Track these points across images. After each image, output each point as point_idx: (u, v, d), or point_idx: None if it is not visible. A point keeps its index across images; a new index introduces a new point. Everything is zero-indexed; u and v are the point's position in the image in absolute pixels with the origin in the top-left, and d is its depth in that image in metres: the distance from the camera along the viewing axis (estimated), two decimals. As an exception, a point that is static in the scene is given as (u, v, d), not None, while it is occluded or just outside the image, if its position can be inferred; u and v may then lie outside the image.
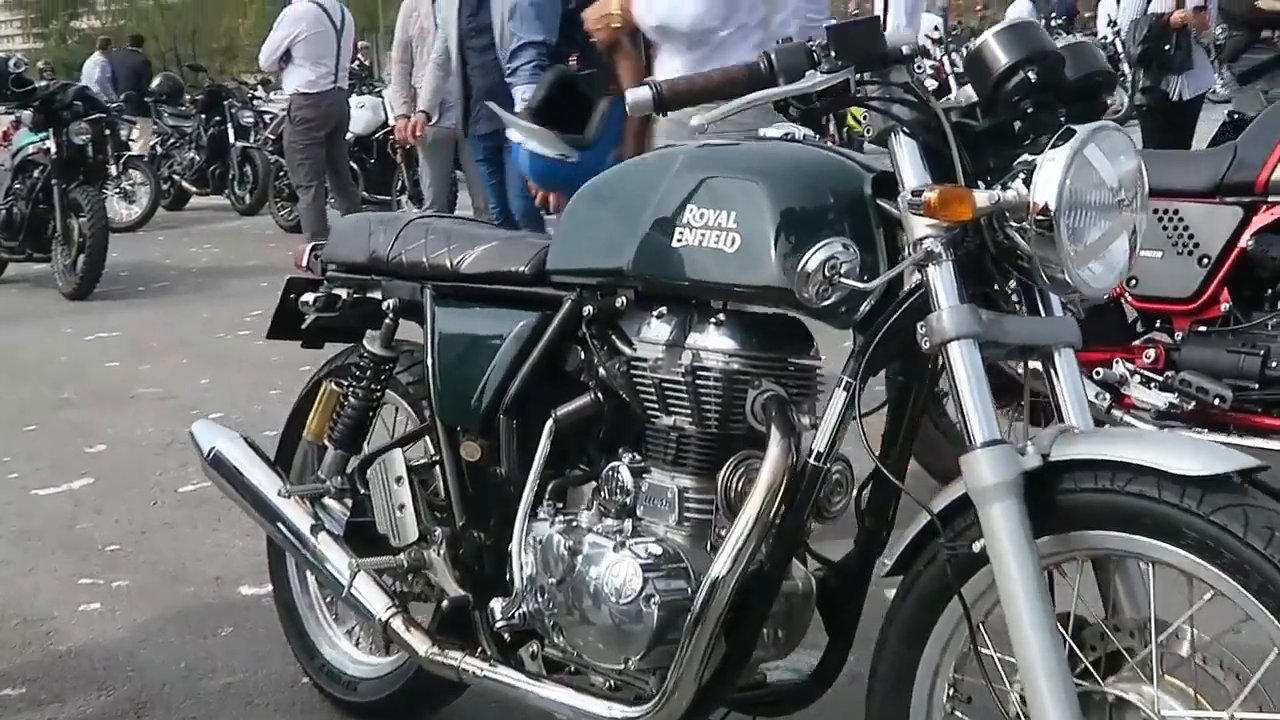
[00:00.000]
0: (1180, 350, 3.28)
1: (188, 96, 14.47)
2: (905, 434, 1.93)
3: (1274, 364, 3.13)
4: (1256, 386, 3.13)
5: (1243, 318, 3.24)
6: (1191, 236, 3.25)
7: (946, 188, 1.66)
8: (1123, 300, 3.42)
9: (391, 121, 8.83)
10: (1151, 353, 3.28)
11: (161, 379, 6.04)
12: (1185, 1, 8.06)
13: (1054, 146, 1.67)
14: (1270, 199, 3.19)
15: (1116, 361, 3.26)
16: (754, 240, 1.85)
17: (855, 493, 1.96)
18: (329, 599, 2.80)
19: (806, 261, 1.76)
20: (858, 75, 1.75)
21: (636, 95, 1.80)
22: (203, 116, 13.22)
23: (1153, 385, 3.22)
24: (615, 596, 1.96)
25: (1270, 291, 3.25)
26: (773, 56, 1.76)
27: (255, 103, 13.60)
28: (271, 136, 11.80)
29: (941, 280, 1.71)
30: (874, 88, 1.77)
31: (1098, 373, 3.26)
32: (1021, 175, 1.70)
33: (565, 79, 3.64)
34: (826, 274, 1.75)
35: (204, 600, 3.42)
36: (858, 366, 1.82)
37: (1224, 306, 3.24)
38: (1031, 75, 1.69)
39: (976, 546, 1.67)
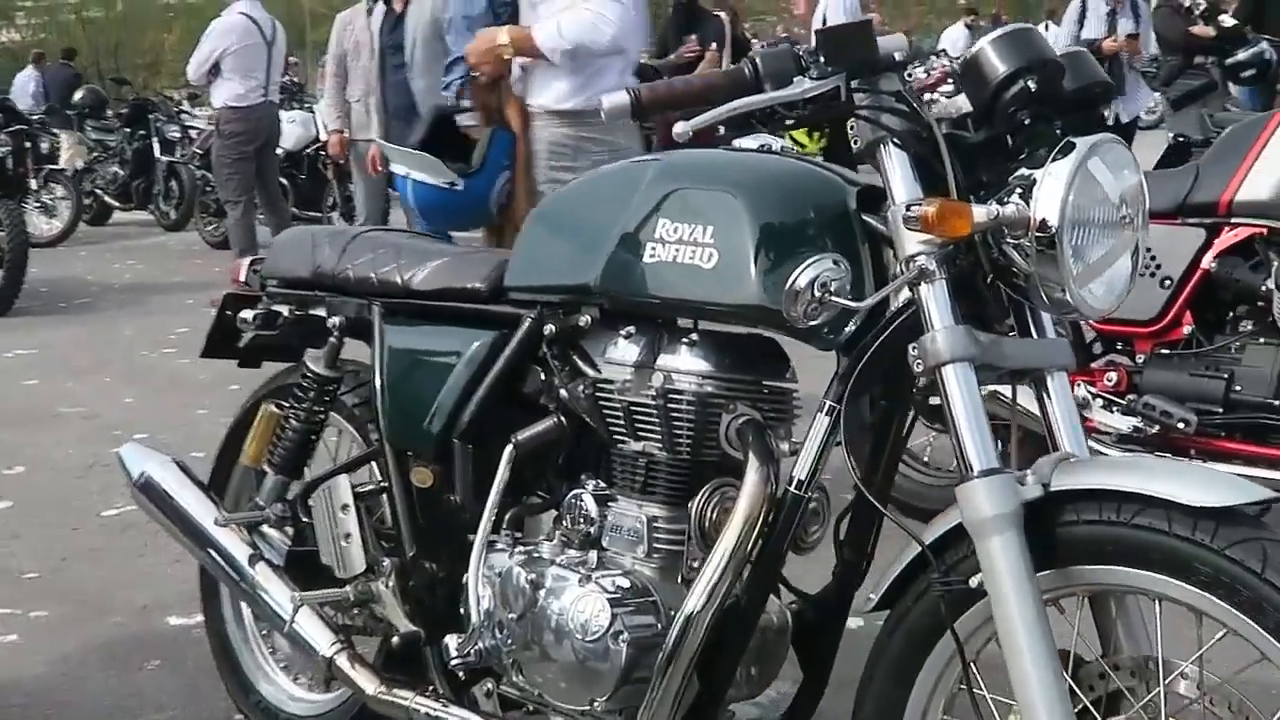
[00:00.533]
0: (1142, 373, 3.23)
1: (111, 111, 14.14)
2: (888, 460, 1.84)
3: (1238, 388, 3.08)
4: (1221, 410, 3.07)
5: (1205, 340, 3.19)
6: (1154, 258, 3.19)
7: (945, 202, 1.57)
8: (1081, 322, 3.36)
9: (323, 136, 8.68)
10: (1113, 375, 3.23)
11: (84, 398, 5.82)
12: (1118, 28, 8.14)
13: (1055, 160, 1.58)
14: (1234, 220, 3.14)
15: (1077, 384, 3.20)
16: (733, 256, 1.74)
17: (834, 522, 1.87)
18: (265, 631, 2.65)
19: (795, 279, 1.66)
20: (849, 82, 1.66)
21: (613, 101, 1.69)
22: (127, 130, 12.91)
23: (1115, 409, 3.16)
24: (581, 633, 1.84)
25: (1232, 314, 3.21)
26: (758, 61, 1.66)
27: (182, 117, 13.32)
28: (199, 151, 11.54)
29: (935, 300, 1.62)
30: (864, 96, 1.67)
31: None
32: (1019, 190, 1.61)
33: (444, 115, 3.66)
34: (816, 292, 1.65)
35: (130, 631, 3.25)
36: (842, 390, 1.73)
37: (1186, 329, 3.19)
38: (1031, 84, 1.61)
39: (974, 581, 1.57)
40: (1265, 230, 3.12)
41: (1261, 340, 3.11)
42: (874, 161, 1.70)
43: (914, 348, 1.63)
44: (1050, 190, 1.57)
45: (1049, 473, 1.58)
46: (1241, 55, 7.53)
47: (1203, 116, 4.98)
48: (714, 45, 8.57)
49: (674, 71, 9.29)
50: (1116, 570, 1.54)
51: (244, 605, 2.65)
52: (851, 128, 1.70)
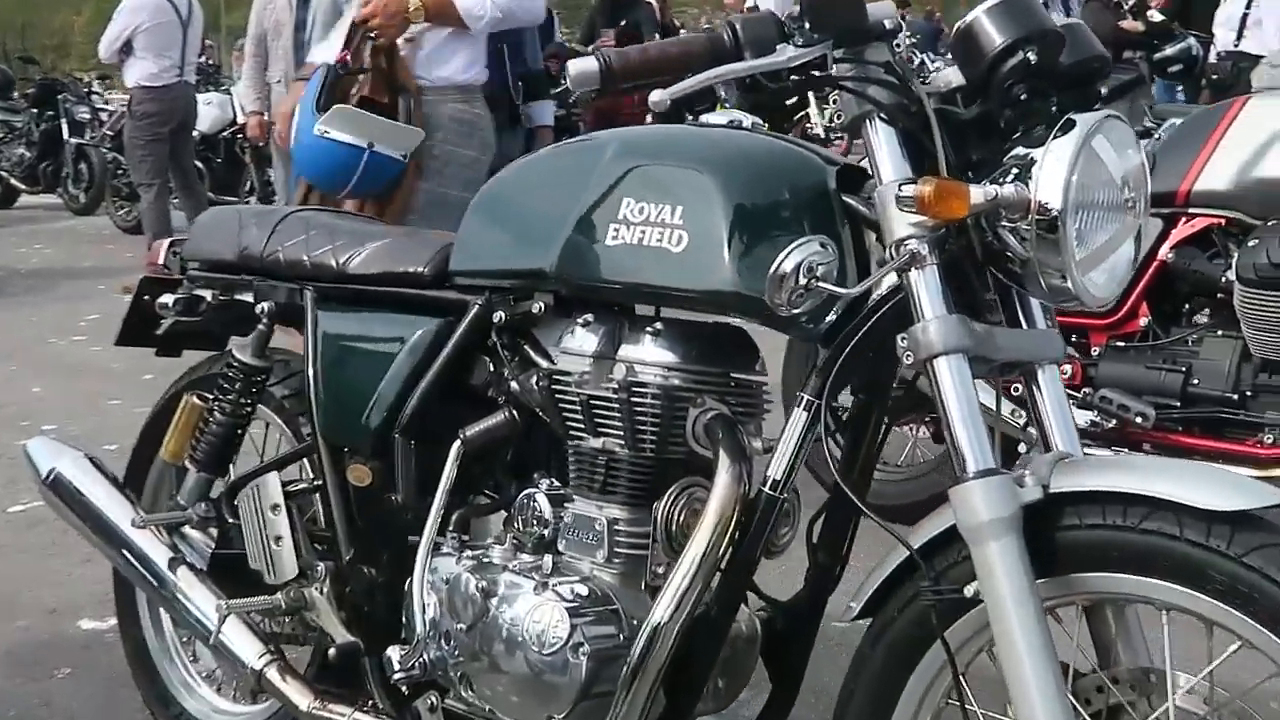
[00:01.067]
0: (1098, 366, 3.15)
1: (17, 91, 13.68)
2: (865, 457, 1.72)
3: (1196, 381, 3.01)
4: (1178, 404, 3.00)
5: (1161, 333, 3.11)
6: (1109, 248, 3.11)
7: (942, 181, 1.45)
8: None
9: (241, 119, 8.43)
10: (1068, 368, 3.14)
11: (-13, 388, 5.57)
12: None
13: (1056, 138, 1.47)
14: (1190, 210, 3.07)
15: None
16: (705, 239, 1.61)
17: (807, 524, 1.75)
18: (186, 639, 2.48)
19: (780, 263, 1.53)
20: (835, 51, 1.53)
21: (580, 68, 1.55)
22: (34, 111, 12.50)
23: (1070, 403, 3.07)
24: (537, 644, 1.71)
25: (1189, 306, 3.14)
26: (738, 27, 1.53)
27: (92, 99, 12.93)
28: (110, 133, 11.19)
29: (926, 287, 1.50)
30: (850, 66, 1.55)
31: (1016, 389, 3.10)
32: (1015, 170, 1.50)
33: (338, 77, 3.46)
34: (802, 278, 1.53)
35: (37, 637, 3.05)
36: (823, 383, 1.60)
37: (1143, 321, 3.12)
38: (1031, 56, 1.49)
39: (969, 590, 1.46)
40: (1223, 220, 3.06)
41: (1219, 333, 3.04)
42: (858, 137, 1.58)
43: (904, 339, 1.51)
44: (1052, 170, 1.46)
45: (1047, 473, 1.47)
46: (1169, 50, 7.54)
47: (1141, 108, 4.94)
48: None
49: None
50: (1121, 578, 1.43)
51: (163, 611, 2.48)
52: (834, 102, 1.58)
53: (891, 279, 1.56)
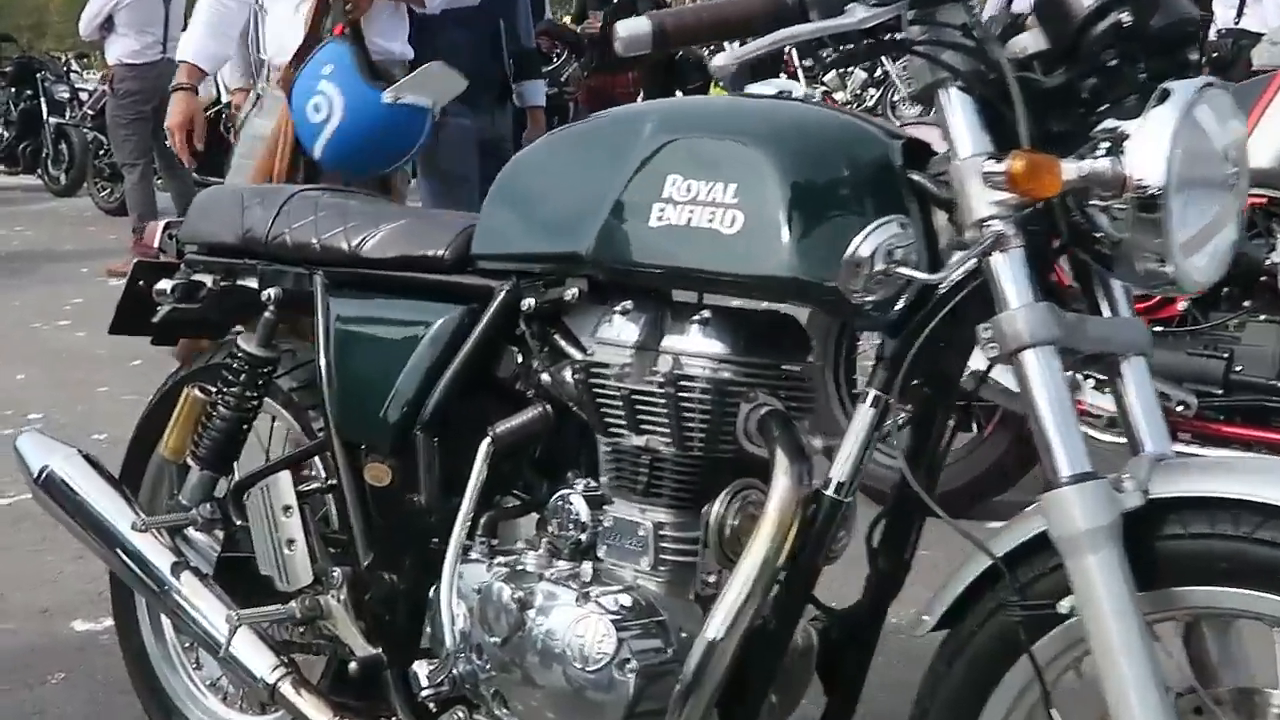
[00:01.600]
0: (1135, 352, 3.01)
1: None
2: (931, 456, 1.59)
3: (1238, 368, 2.89)
4: (1220, 392, 2.88)
5: (1201, 318, 2.99)
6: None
7: (1034, 155, 1.32)
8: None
9: (226, 97, 8.23)
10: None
11: (-31, 375, 5.41)
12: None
13: (1154, 108, 1.34)
14: (1231, 188, 2.94)
15: (1067, 364, 2.98)
16: (762, 219, 1.47)
17: (868, 527, 1.62)
18: (189, 644, 2.34)
19: (857, 246, 1.40)
20: (910, 12, 1.39)
21: (631, 29, 1.41)
22: (12, 90, 12.29)
23: (1107, 390, 2.94)
24: (580, 660, 1.58)
25: (1230, 289, 3.01)
26: (803, -15, 1.39)
27: (71, 77, 12.70)
28: (91, 112, 10.98)
29: (1012, 272, 1.37)
30: (924, 29, 1.41)
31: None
32: (1106, 143, 1.36)
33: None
34: (881, 262, 1.39)
35: (28, 639, 2.91)
36: (891, 377, 1.47)
37: (1181, 305, 2.99)
38: (1125, 18, 1.35)
39: (1064, 605, 1.33)
40: (1266, 200, 2.93)
41: (1263, 317, 2.92)
42: (930, 106, 1.44)
43: (986, 329, 1.38)
44: (1151, 144, 1.33)
45: (1147, 476, 1.34)
46: None
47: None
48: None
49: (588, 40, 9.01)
50: (1230, 592, 1.30)
51: (164, 616, 2.34)
52: (903, 68, 1.44)
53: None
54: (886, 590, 1.63)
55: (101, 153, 10.44)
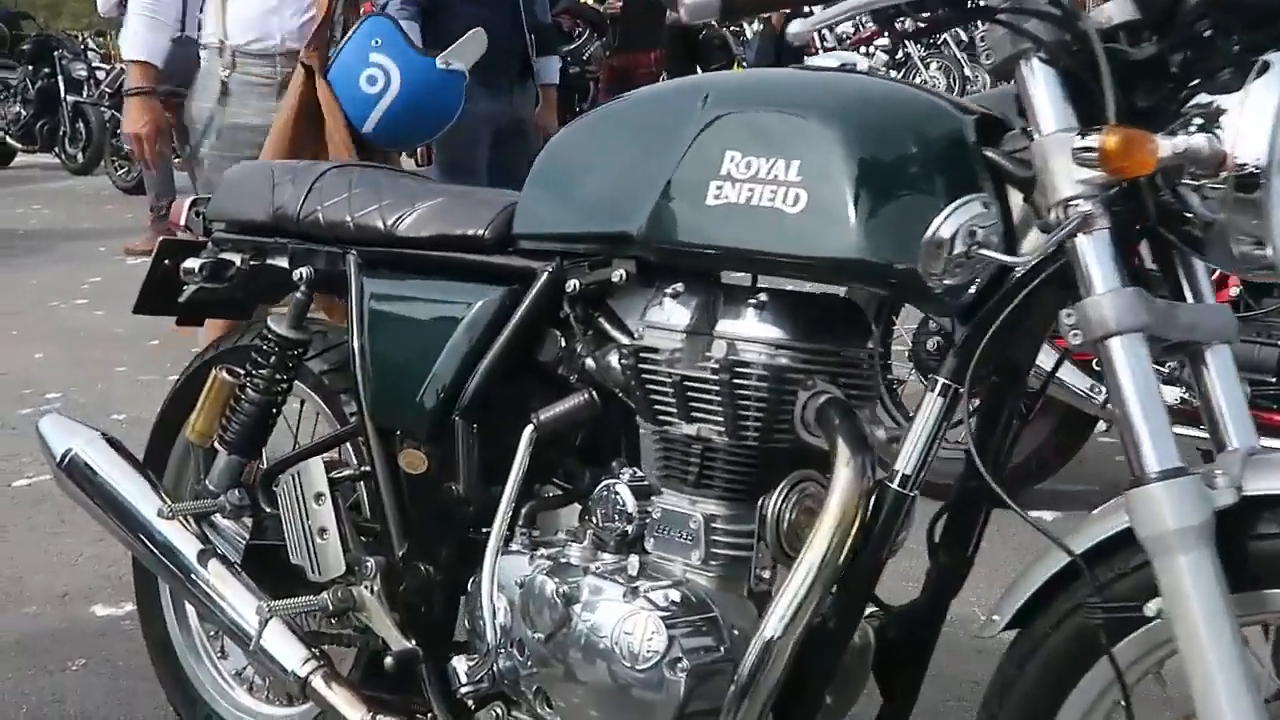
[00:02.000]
0: (1184, 339, 2.92)
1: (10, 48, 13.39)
2: (998, 448, 1.51)
3: (1293, 356, 2.81)
4: (1274, 380, 2.80)
5: (1254, 303, 2.90)
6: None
7: (1129, 130, 1.24)
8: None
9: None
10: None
11: (-12, 354, 5.35)
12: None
13: (1254, 82, 1.26)
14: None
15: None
16: (829, 198, 1.40)
17: (930, 521, 1.54)
18: (214, 632, 2.28)
19: (938, 227, 1.32)
20: (994, -24, 1.31)
21: (697, -5, 1.33)
22: (29, 68, 12.22)
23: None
24: (629, 658, 1.51)
25: (1283, 274, 2.92)
26: (882, -52, 1.31)
27: (88, 55, 12.64)
28: (109, 91, 10.91)
29: (1098, 254, 1.29)
30: (1005, -4, 1.33)
31: (1097, 364, 2.89)
32: (1199, 119, 1.28)
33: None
34: (963, 244, 1.32)
35: (49, 624, 2.85)
36: (963, 365, 1.40)
37: (1233, 290, 2.90)
38: None
39: (1150, 608, 1.26)
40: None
41: (1319, 303, 2.84)
42: (1012, 79, 1.36)
43: (1069, 314, 1.30)
44: (1252, 120, 1.24)
45: (1239, 472, 1.26)
46: None
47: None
48: None
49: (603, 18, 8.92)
50: (1330, 595, 1.23)
51: (188, 603, 2.28)
52: (981, 39, 1.36)
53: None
54: (947, 587, 1.56)
55: (119, 131, 10.37)
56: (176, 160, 8.29)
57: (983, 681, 2.39)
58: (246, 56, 3.32)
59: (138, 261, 7.31)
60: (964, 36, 10.07)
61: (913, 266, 1.34)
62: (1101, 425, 3.02)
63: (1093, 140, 1.24)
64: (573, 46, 8.39)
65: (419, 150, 4.12)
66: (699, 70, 8.76)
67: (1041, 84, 1.33)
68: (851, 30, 13.75)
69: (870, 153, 1.39)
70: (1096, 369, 2.90)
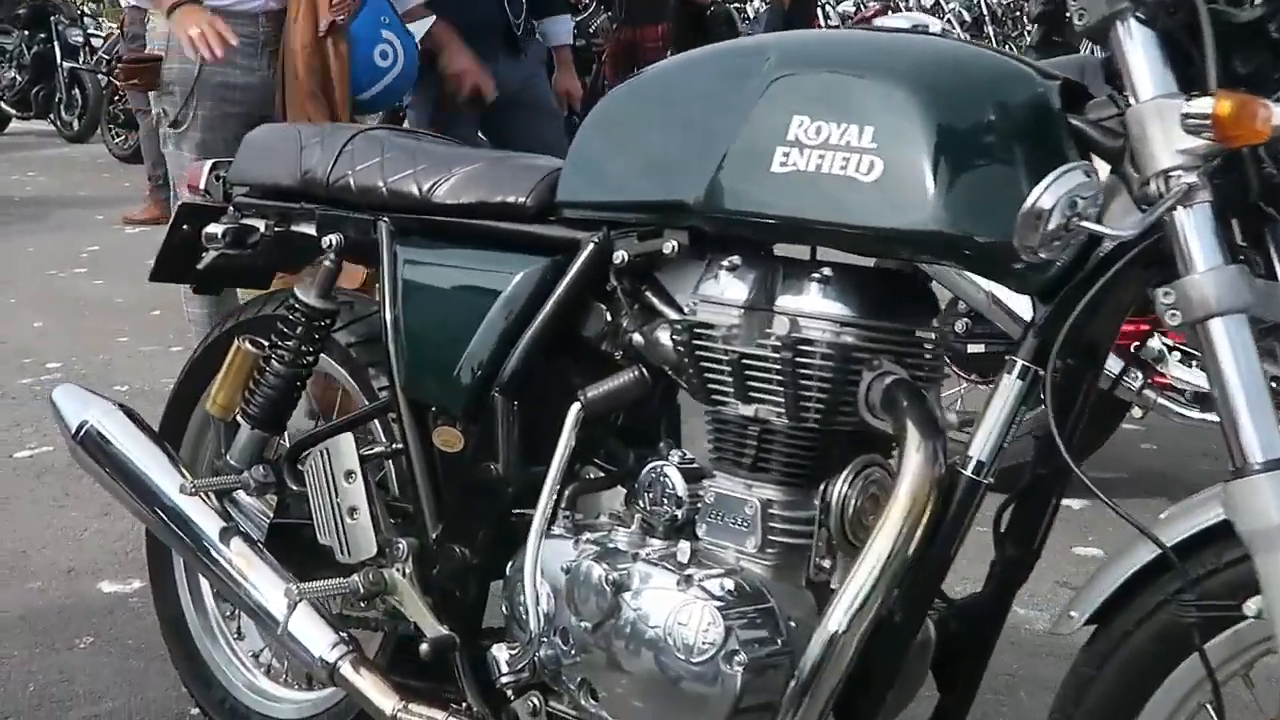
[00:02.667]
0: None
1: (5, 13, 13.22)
2: (1074, 432, 1.43)
3: (1349, 341, 2.73)
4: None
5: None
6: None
7: (1243, 96, 1.16)
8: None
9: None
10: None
11: (-14, 322, 5.25)
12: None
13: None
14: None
15: (1154, 335, 2.83)
16: (908, 166, 1.32)
17: (997, 510, 1.47)
18: (230, 613, 2.21)
19: (1038, 197, 1.24)
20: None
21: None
22: (25, 33, 12.05)
23: (1195, 364, 2.80)
24: (683, 650, 1.43)
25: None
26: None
27: (85, 22, 12.48)
28: (106, 57, 10.78)
29: (1199, 229, 1.22)
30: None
31: (1136, 347, 2.82)
32: (1307, 86, 1.21)
33: None
34: (1063, 215, 1.24)
35: (55, 600, 2.77)
36: (1044, 346, 1.32)
37: (1280, 272, 2.82)
38: None
39: (1250, 606, 1.19)
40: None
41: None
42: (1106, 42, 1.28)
43: (1166, 293, 1.23)
44: None
45: (1346, 463, 1.19)
46: None
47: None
48: None
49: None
50: None
51: (203, 582, 2.20)
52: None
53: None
54: (1013, 580, 1.49)
55: (116, 98, 10.25)
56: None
57: (1018, 675, 2.38)
58: (231, 16, 3.22)
59: (136, 231, 7.22)
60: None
61: (1002, 239, 1.26)
62: (1136, 411, 2.94)
63: (1203, 106, 1.17)
64: (579, 19, 8.26)
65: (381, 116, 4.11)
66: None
67: (1139, 46, 1.25)
68: (852, 9, 13.67)
69: (952, 119, 1.31)
70: (1132, 352, 2.84)
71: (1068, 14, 1.29)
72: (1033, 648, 2.44)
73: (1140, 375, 2.83)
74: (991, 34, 11.37)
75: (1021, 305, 2.66)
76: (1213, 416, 2.79)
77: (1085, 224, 1.24)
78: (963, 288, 2.48)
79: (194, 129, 3.22)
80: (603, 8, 8.56)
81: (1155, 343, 2.82)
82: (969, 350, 3.03)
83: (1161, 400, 2.83)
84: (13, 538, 3.08)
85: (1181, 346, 2.84)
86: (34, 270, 6.25)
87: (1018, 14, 14.20)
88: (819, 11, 11.03)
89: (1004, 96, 1.33)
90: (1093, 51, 1.45)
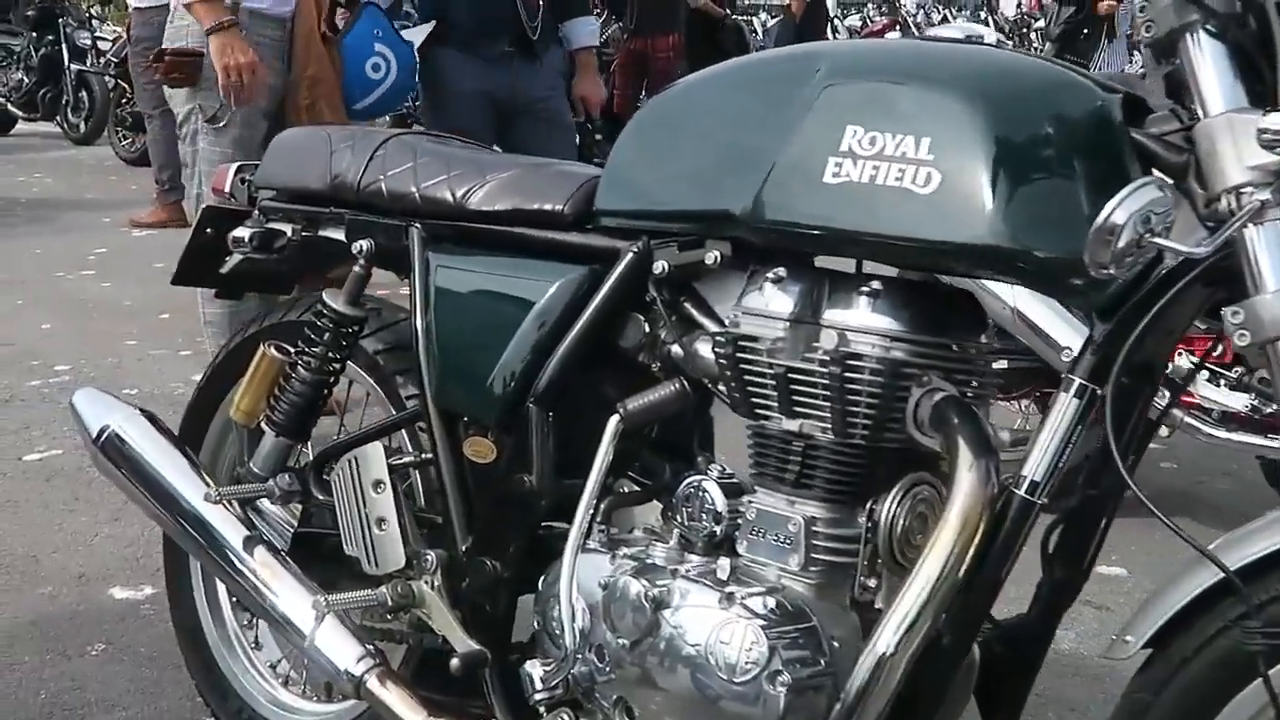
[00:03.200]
0: (1253, 342, 2.82)
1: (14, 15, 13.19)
2: (1130, 451, 1.40)
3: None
4: None
5: None
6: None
7: (1324, 110, 1.13)
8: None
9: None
10: (1221, 343, 2.82)
11: (-7, 323, 5.22)
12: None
13: None
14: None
15: (1180, 353, 2.80)
16: (968, 177, 1.29)
17: (1045, 530, 1.44)
18: (247, 621, 2.17)
19: (1111, 212, 1.21)
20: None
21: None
22: (34, 35, 12.04)
23: (1223, 383, 2.77)
24: (725, 670, 1.40)
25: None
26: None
27: (93, 24, 12.46)
28: (114, 59, 10.75)
29: (1269, 248, 1.19)
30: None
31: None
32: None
33: None
34: (1136, 231, 1.21)
35: (66, 607, 2.73)
36: (1104, 365, 1.29)
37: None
38: None
39: (1323, 634, 1.15)
40: None
41: None
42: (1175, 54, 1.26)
43: (1235, 313, 1.20)
44: None
45: None
46: None
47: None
48: None
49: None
50: None
51: (221, 589, 2.17)
52: (1141, 10, 1.25)
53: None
54: (1060, 602, 1.46)
55: (124, 101, 10.23)
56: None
57: (1045, 695, 2.35)
58: (262, 19, 3.28)
59: (143, 234, 7.19)
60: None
61: (1066, 255, 1.23)
62: (1164, 431, 2.90)
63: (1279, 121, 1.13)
64: (598, 21, 8.25)
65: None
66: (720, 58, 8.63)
67: (1209, 60, 1.22)
68: (859, 24, 13.66)
69: (1012, 130, 1.28)
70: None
71: (1131, 29, 1.26)
72: (1060, 669, 2.41)
73: (1166, 394, 2.78)
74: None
75: (1047, 321, 2.67)
76: (1239, 436, 2.80)
77: (1157, 240, 1.21)
78: (987, 302, 2.45)
79: (233, 125, 3.27)
80: (614, 18, 8.55)
81: (1182, 361, 2.79)
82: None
83: (1189, 419, 2.80)
84: (23, 542, 3.04)
85: (1210, 366, 2.81)
86: (41, 272, 6.21)
87: (1025, 30, 14.21)
88: (828, 26, 11.05)
89: (1065, 109, 1.30)
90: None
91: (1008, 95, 1.32)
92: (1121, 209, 1.20)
